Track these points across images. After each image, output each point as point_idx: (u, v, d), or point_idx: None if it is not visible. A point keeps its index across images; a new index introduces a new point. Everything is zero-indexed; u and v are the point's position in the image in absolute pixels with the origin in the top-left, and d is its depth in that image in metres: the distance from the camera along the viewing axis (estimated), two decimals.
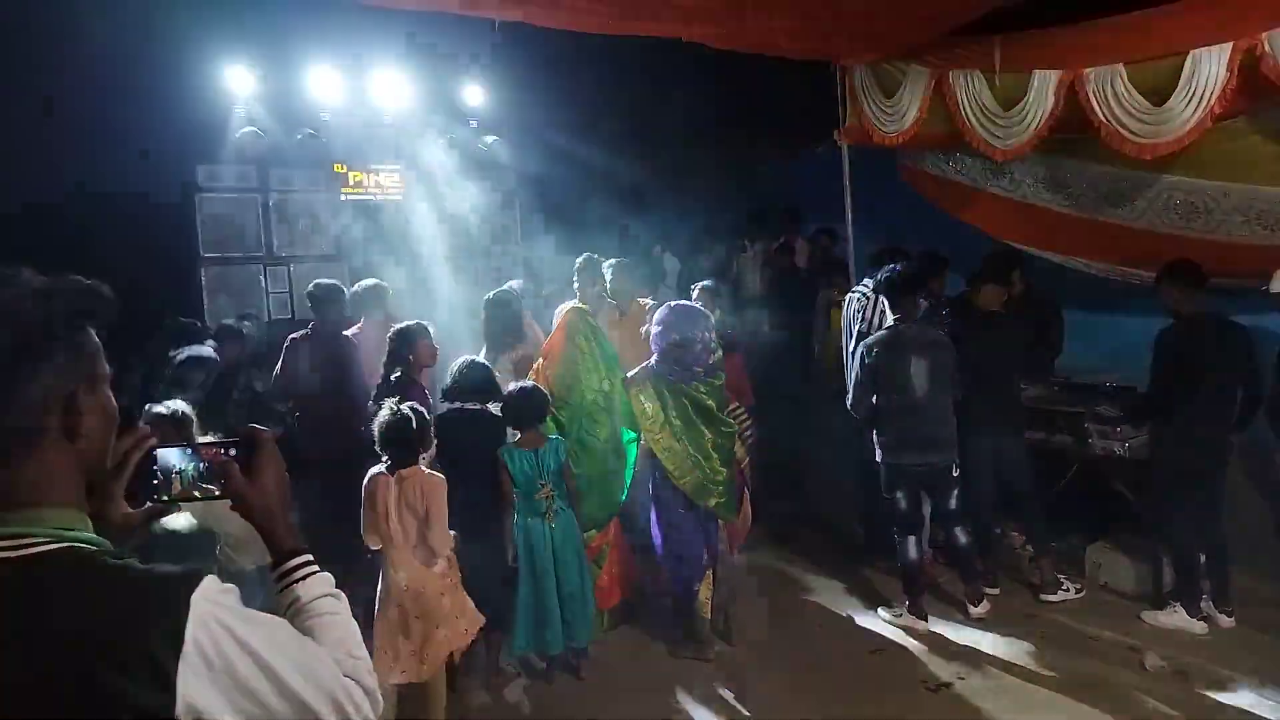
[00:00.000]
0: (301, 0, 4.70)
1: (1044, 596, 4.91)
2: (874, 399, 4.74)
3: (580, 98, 7.34)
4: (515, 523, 4.20)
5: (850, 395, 4.84)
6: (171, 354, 5.50)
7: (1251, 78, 4.38)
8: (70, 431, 1.10)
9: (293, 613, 1.27)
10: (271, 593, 1.31)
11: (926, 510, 4.95)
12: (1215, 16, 4.52)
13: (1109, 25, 4.99)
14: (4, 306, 1.05)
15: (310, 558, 1.33)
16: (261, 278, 7.34)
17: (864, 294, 5.49)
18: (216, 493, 1.32)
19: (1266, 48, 4.28)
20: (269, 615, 1.15)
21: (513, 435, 4.29)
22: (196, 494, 1.33)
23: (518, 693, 4.26)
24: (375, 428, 3.61)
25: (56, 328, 1.08)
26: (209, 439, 1.35)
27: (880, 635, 4.73)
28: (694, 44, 5.57)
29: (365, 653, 1.27)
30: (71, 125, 5.86)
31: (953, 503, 4.75)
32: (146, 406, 3.54)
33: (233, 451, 1.33)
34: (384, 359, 4.47)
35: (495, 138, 7.64)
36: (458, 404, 4.22)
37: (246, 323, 6.20)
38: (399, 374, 4.39)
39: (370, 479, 3.63)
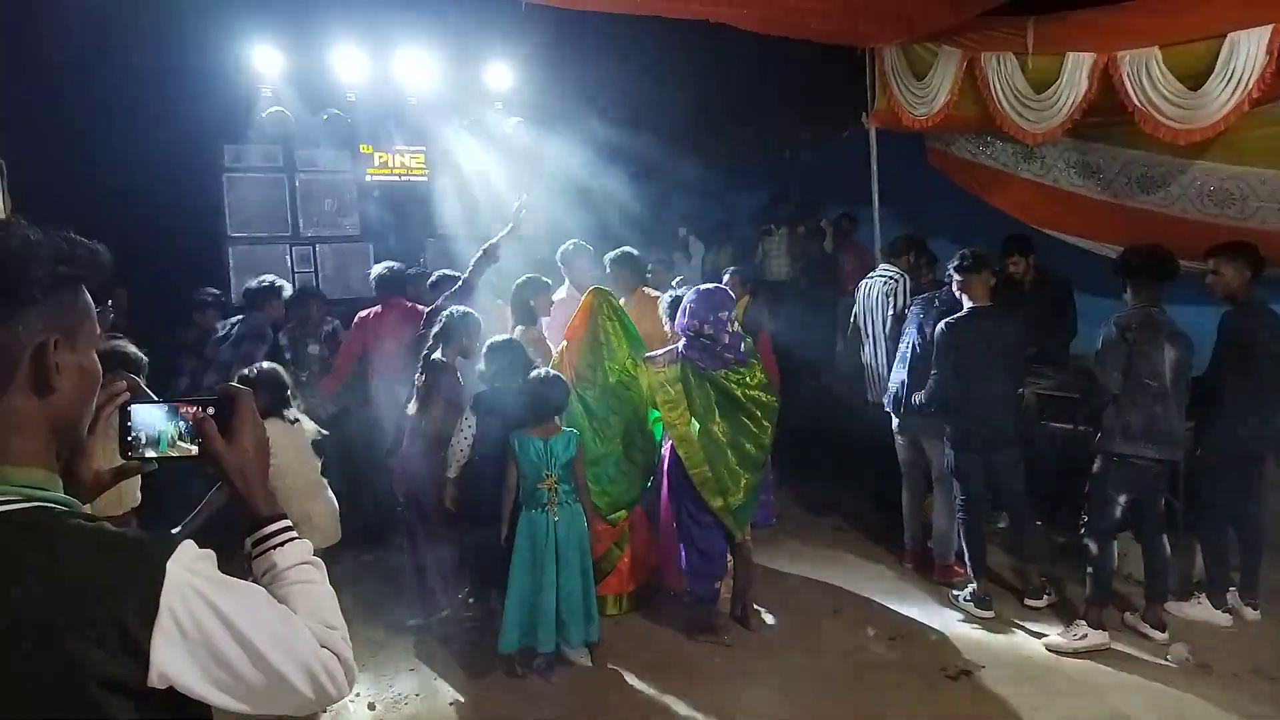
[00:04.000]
0: None
1: (1028, 602, 4.75)
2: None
3: (606, 81, 7.30)
4: (521, 513, 4.13)
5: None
6: (220, 333, 5.59)
7: None
8: (40, 385, 1.08)
9: (269, 580, 1.24)
10: (247, 557, 1.28)
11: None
12: None
13: (1144, 7, 4.91)
14: None
15: (288, 523, 1.29)
16: (288, 257, 7.39)
17: (890, 277, 5.45)
18: (194, 452, 1.28)
19: None
20: (246, 583, 1.14)
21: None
22: (172, 453, 1.29)
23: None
24: None
25: (36, 275, 1.05)
26: (187, 397, 1.32)
27: (901, 622, 4.71)
28: (722, 26, 5.52)
29: (342, 622, 1.25)
30: (100, 106, 5.92)
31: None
32: None
33: (210, 410, 1.29)
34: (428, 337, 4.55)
35: (520, 120, 7.63)
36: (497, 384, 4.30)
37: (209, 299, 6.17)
38: (439, 356, 4.46)
39: None
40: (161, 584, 1.02)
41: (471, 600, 4.70)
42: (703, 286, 4.53)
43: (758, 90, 7.30)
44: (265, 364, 4.03)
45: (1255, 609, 4.53)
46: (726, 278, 5.98)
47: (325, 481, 4.08)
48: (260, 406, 3.90)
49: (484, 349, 4.38)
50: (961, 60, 5.78)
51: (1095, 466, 4.37)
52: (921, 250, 5.55)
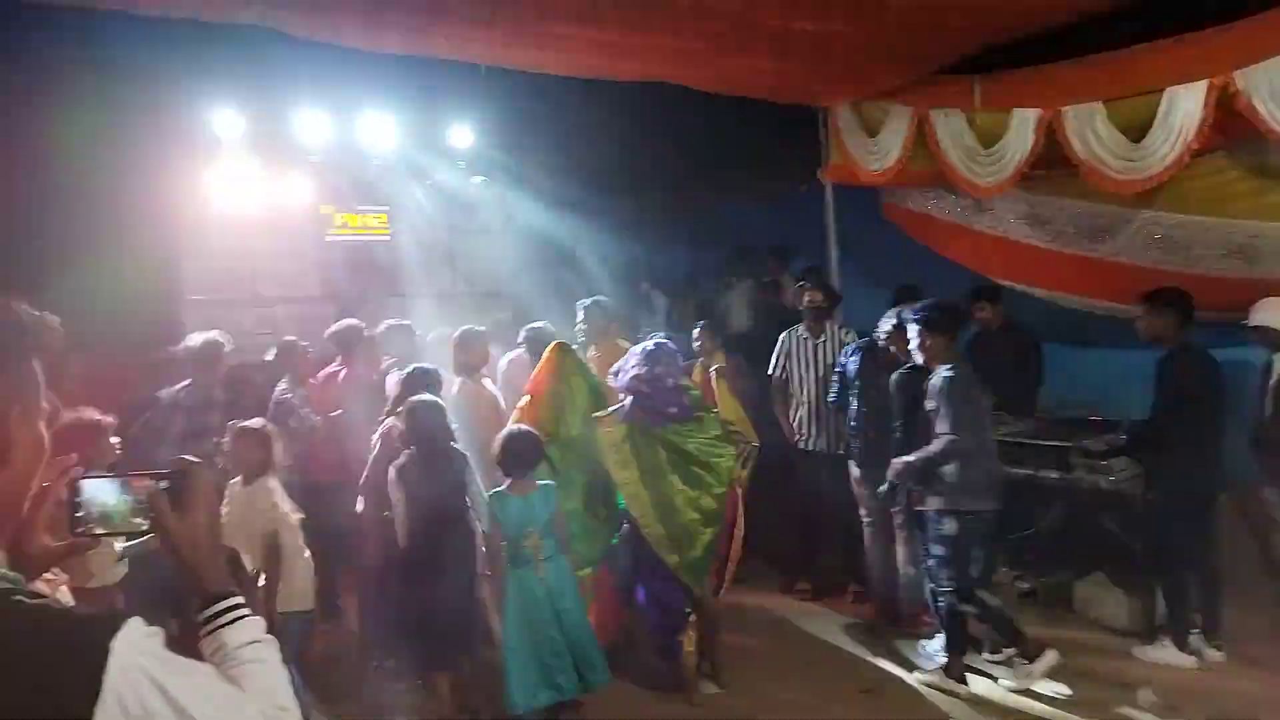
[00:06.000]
0: (289, 43, 4.74)
1: (986, 656, 4.70)
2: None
3: (567, 139, 7.40)
4: (506, 574, 4.04)
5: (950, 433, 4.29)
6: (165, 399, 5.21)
7: (1226, 114, 4.46)
8: None
9: (219, 658, 1.20)
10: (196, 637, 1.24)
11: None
12: (1190, 55, 4.61)
13: (1086, 64, 5.09)
14: None
15: (239, 600, 1.25)
16: (246, 320, 7.32)
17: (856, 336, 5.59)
18: (144, 527, 1.25)
19: (1239, 85, 4.36)
20: (195, 663, 1.11)
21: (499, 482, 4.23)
22: (123, 529, 1.26)
23: None
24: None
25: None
26: (139, 471, 1.29)
27: (872, 674, 4.67)
28: (678, 85, 5.65)
29: (294, 703, 1.21)
30: (56, 168, 5.87)
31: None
32: None
33: (164, 484, 1.26)
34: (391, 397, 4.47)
35: (483, 178, 7.69)
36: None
37: None
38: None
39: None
40: (105, 664, 0.98)
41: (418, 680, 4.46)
42: (644, 344, 4.53)
43: (716, 146, 7.43)
44: (256, 421, 3.98)
45: (1219, 650, 4.55)
46: (696, 331, 6.00)
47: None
48: (253, 465, 3.83)
49: (406, 409, 4.23)
50: (912, 117, 5.94)
51: (948, 528, 4.32)
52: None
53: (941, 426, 4.27)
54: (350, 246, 7.70)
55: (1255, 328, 4.53)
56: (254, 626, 1.25)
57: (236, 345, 5.63)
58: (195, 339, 5.30)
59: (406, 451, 4.15)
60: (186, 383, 5.20)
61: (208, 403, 5.12)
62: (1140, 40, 4.80)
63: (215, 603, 1.24)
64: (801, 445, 5.76)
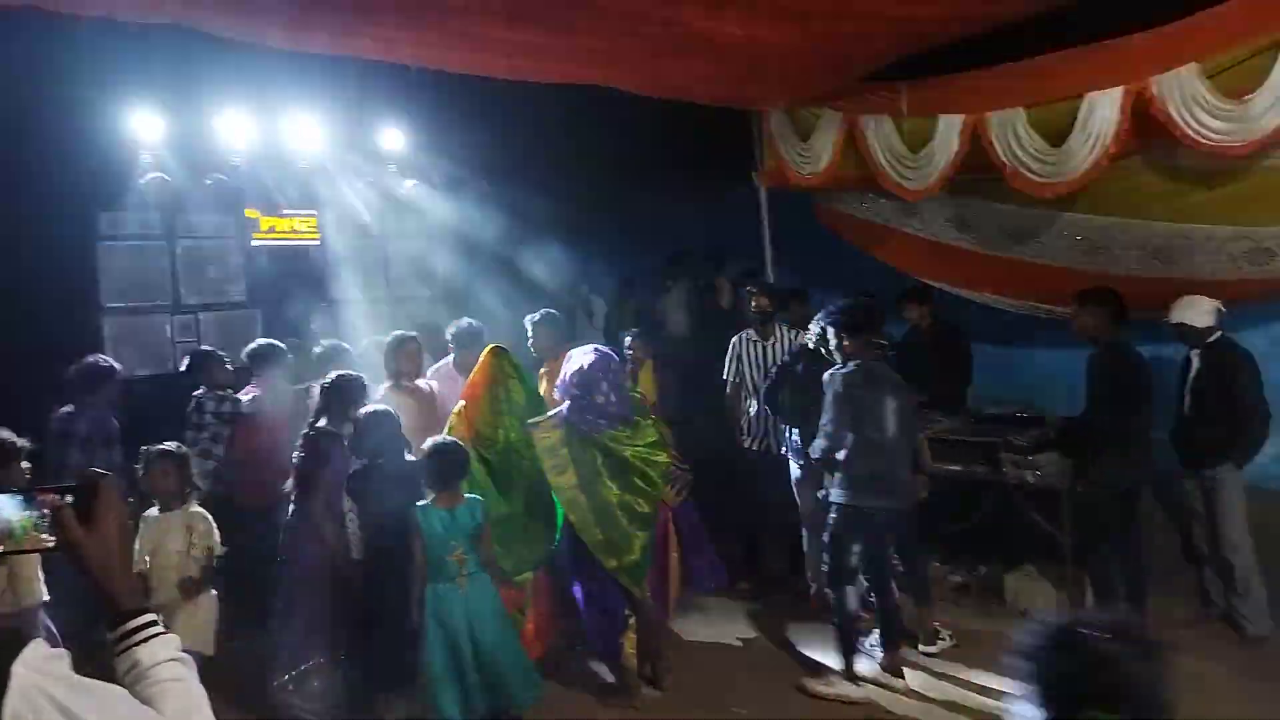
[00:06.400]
0: (211, 43, 4.60)
1: (922, 648, 4.82)
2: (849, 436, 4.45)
3: (501, 142, 7.34)
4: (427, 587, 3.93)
5: (829, 428, 4.44)
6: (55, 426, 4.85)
7: (1143, 120, 4.62)
8: None
9: (132, 679, 1.15)
10: (109, 655, 1.19)
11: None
12: (1107, 61, 4.77)
13: (1009, 71, 5.22)
14: None
15: (153, 618, 1.21)
16: (168, 327, 7.08)
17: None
18: (50, 544, 1.20)
19: (1155, 91, 4.52)
20: (103, 684, 1.06)
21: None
22: (27, 546, 1.20)
23: None
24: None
25: None
26: (44, 486, 1.23)
27: (811, 670, 4.70)
28: (613, 89, 5.64)
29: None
30: None
31: (889, 551, 4.61)
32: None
33: (69, 498, 1.21)
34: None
35: (415, 182, 7.57)
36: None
37: None
38: (322, 425, 4.27)
39: None
40: (5, 687, 0.94)
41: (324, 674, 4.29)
42: (581, 349, 4.51)
43: (651, 149, 7.44)
44: (170, 445, 3.83)
45: None
46: (628, 340, 6.00)
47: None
48: (171, 489, 3.70)
49: (356, 420, 4.17)
50: (843, 122, 6.03)
51: (830, 517, 4.46)
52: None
53: (820, 420, 4.43)
54: (278, 251, 7.51)
55: (1175, 325, 4.71)
56: (169, 644, 1.20)
57: (156, 353, 5.43)
58: (85, 364, 4.94)
59: (358, 462, 4.06)
60: (69, 408, 4.84)
61: (101, 431, 4.78)
62: (1062, 47, 4.94)
63: (128, 620, 1.19)
64: (750, 446, 5.81)
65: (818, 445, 4.48)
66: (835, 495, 4.44)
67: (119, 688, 1.11)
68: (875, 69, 5.81)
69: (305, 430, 4.30)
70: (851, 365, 4.44)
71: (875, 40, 5.28)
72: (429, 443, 4.07)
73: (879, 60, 5.71)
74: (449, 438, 4.18)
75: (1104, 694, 1.34)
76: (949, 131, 5.46)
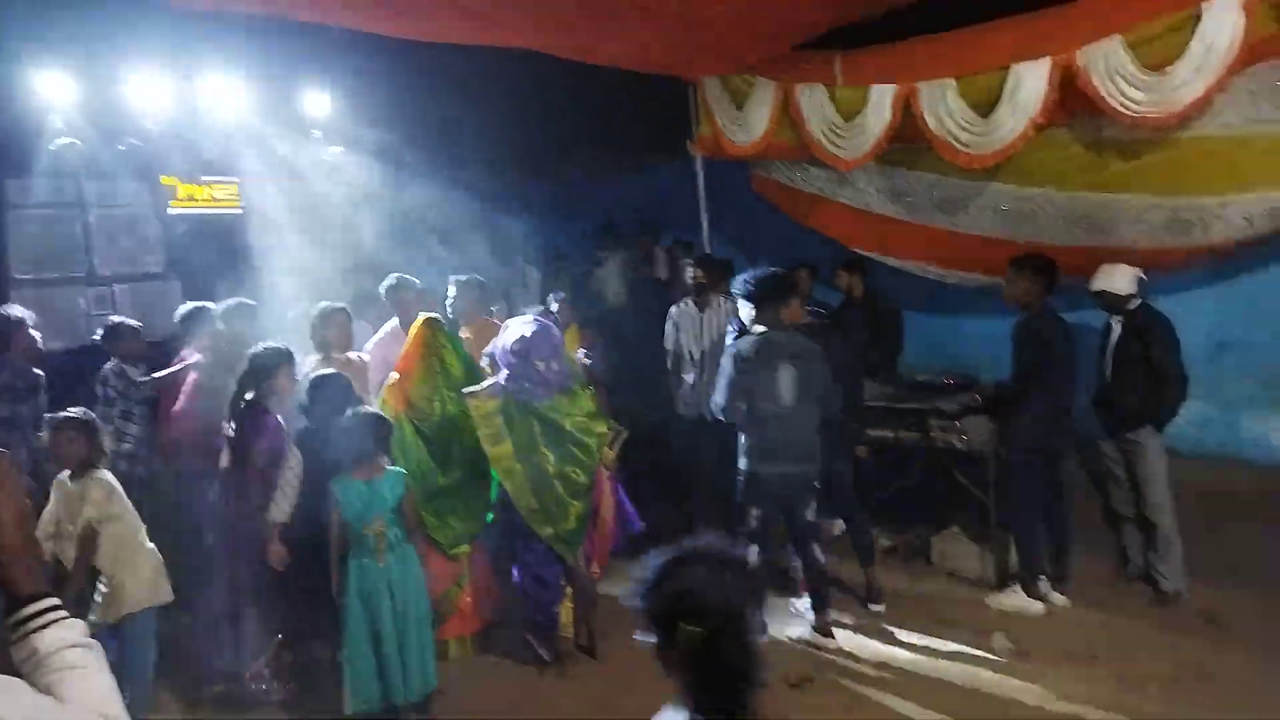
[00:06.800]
0: (124, 2, 4.36)
1: (871, 606, 4.94)
2: (742, 405, 4.55)
3: (432, 109, 7.16)
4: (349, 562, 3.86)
5: (720, 400, 4.56)
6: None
7: (1068, 91, 4.71)
8: None
9: (31, 666, 1.10)
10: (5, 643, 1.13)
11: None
12: (1034, 33, 4.84)
13: (939, 41, 5.27)
14: None
15: (55, 602, 1.15)
16: (82, 299, 6.78)
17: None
18: None
19: (1079, 63, 4.61)
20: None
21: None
22: None
23: None
24: None
25: None
26: None
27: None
28: (549, 55, 5.53)
29: (120, 709, 1.11)
30: None
31: (810, 516, 4.60)
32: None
33: None
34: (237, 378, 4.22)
35: (341, 149, 7.35)
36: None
37: None
38: (251, 397, 4.16)
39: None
40: None
41: (286, 652, 4.31)
42: (519, 318, 4.48)
43: (585, 117, 7.35)
44: (76, 410, 3.68)
45: (1065, 595, 4.87)
46: (555, 306, 5.96)
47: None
48: (78, 457, 3.59)
49: (307, 384, 4.13)
50: (777, 91, 6.03)
51: (737, 483, 4.56)
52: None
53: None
54: (197, 219, 7.22)
55: (1097, 293, 4.83)
56: (71, 630, 1.14)
57: (70, 328, 5.21)
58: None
59: (307, 423, 4.01)
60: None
61: (25, 379, 4.77)
62: (992, 18, 4.99)
63: (26, 605, 1.12)
64: (685, 413, 5.86)
65: (714, 403, 4.58)
66: (740, 462, 4.54)
67: (16, 679, 1.05)
68: (810, 38, 5.80)
69: (234, 403, 4.19)
70: (753, 336, 4.50)
71: (810, 9, 5.27)
72: (351, 412, 3.99)
73: (814, 29, 5.70)
74: (368, 409, 4.11)
75: (689, 611, 1.52)
76: (881, 101, 5.50)
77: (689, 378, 5.86)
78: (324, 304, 5.00)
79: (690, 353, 5.83)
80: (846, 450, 5.13)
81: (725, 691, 1.58)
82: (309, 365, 4.74)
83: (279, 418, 4.22)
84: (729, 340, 5.05)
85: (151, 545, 3.85)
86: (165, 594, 3.87)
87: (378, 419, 3.98)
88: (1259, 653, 4.16)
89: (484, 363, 4.63)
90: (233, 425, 4.16)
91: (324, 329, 4.89)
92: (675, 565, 1.62)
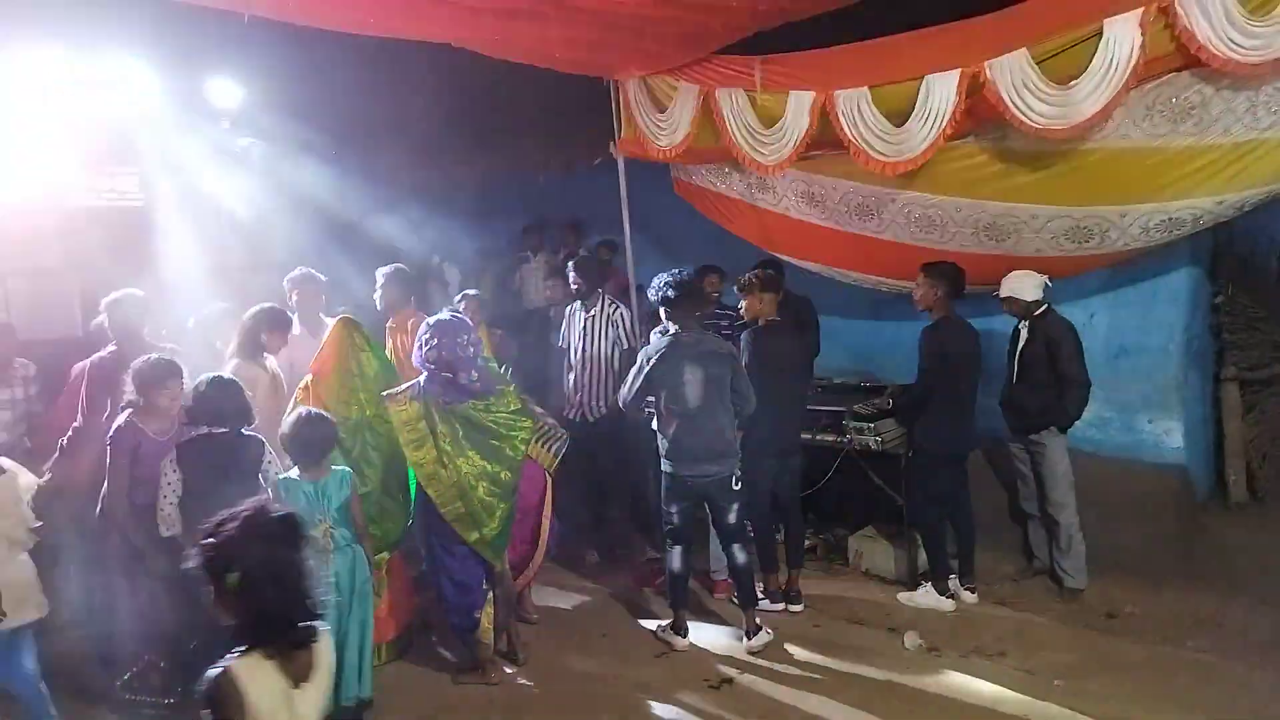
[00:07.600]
0: None
1: (790, 608, 5.02)
2: (646, 407, 4.66)
3: (349, 102, 6.97)
4: None
5: (626, 396, 4.65)
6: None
7: (977, 102, 4.84)
8: None
9: None
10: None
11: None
12: (947, 44, 4.95)
13: (856, 50, 5.35)
14: None
15: None
16: None
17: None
18: None
19: (988, 75, 4.74)
20: None
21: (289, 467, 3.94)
22: None
23: None
24: None
25: None
26: None
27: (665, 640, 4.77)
28: (470, 51, 5.43)
29: None
30: None
31: (731, 517, 4.63)
32: None
33: None
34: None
35: (252, 140, 7.10)
36: (204, 429, 3.85)
37: None
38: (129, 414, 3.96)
39: None
40: None
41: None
42: (437, 318, 4.34)
43: (507, 114, 7.26)
44: None
45: (973, 593, 5.01)
46: (462, 304, 5.86)
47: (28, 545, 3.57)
48: None
49: (193, 389, 3.89)
50: (699, 95, 6.05)
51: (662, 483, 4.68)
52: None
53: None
54: (95, 212, 6.87)
55: (1004, 299, 5.00)
56: None
57: None
58: None
59: (193, 431, 3.82)
60: None
61: None
62: (909, 29, 5.11)
63: None
64: (570, 415, 5.89)
65: (620, 397, 4.72)
66: (662, 462, 4.64)
67: None
68: (732, 42, 5.84)
69: (123, 406, 4.00)
70: (663, 339, 4.60)
71: (732, 13, 5.30)
72: (294, 415, 3.90)
73: (737, 34, 5.73)
74: (314, 410, 3.98)
75: (228, 562, 1.89)
76: (800, 107, 5.56)
77: (570, 377, 5.96)
78: (265, 305, 4.81)
79: (574, 352, 5.96)
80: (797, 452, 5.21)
81: (271, 625, 1.94)
82: (231, 366, 4.54)
83: (151, 434, 3.98)
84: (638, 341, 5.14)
85: (24, 557, 3.61)
86: (39, 610, 3.64)
87: (321, 419, 3.88)
88: (1157, 644, 4.36)
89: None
90: (109, 440, 3.95)
91: (265, 331, 4.70)
92: (217, 527, 1.95)
